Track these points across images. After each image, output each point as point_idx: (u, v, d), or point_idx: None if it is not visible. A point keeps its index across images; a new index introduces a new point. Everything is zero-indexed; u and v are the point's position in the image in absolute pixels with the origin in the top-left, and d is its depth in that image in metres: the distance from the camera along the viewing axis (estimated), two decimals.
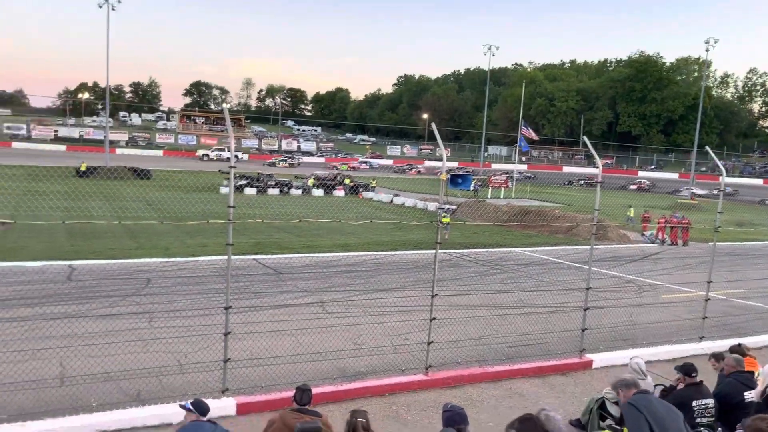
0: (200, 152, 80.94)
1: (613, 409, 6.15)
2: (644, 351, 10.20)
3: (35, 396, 7.18)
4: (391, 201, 41.77)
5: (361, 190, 45.84)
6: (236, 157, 7.69)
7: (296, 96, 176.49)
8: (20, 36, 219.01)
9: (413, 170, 79.98)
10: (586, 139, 10.36)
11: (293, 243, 21.52)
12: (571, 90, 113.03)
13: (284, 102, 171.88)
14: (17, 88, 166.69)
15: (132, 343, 9.34)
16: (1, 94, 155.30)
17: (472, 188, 48.45)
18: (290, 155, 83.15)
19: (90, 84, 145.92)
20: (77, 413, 6.80)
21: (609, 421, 6.09)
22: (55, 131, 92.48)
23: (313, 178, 46.84)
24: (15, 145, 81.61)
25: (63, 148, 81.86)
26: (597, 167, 9.92)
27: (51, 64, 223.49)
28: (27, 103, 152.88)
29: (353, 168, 75.24)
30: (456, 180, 48.96)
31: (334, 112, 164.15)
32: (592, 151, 9.90)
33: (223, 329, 7.55)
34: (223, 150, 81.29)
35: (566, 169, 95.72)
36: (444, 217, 25.01)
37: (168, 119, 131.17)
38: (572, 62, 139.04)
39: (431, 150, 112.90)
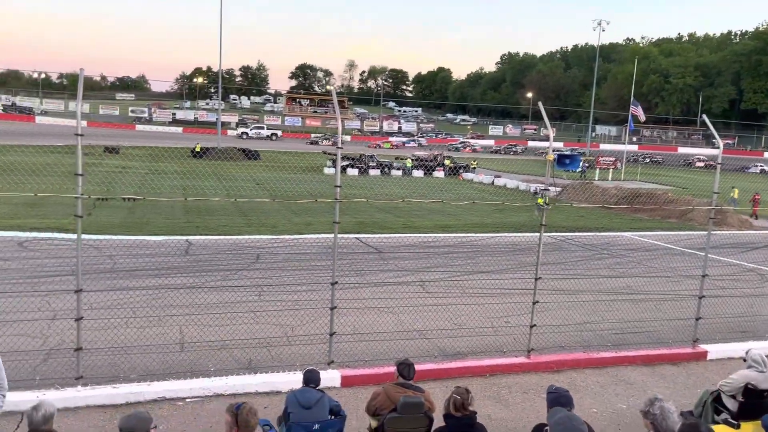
0: (240, 130, 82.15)
1: (730, 403, 5.83)
2: (766, 344, 9.53)
3: (159, 359, 7.79)
4: (492, 182, 41.19)
5: (461, 171, 45.51)
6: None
7: (397, 77, 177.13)
8: (142, 24, 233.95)
9: (467, 148, 78.89)
10: (705, 117, 9.71)
11: (394, 223, 21.78)
12: (689, 65, 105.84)
13: (386, 83, 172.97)
14: (140, 74, 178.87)
15: (243, 314, 9.88)
16: (126, 80, 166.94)
17: (579, 169, 46.78)
18: (332, 134, 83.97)
19: (204, 68, 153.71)
20: (196, 377, 7.32)
21: (724, 415, 5.78)
22: (173, 114, 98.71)
23: (411, 159, 46.95)
24: (138, 127, 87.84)
25: (180, 130, 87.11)
26: (717, 148, 9.30)
27: (169, 49, 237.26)
28: (148, 87, 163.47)
29: (396, 146, 75.72)
30: (563, 161, 47.49)
31: (435, 93, 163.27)
32: (712, 130, 9.27)
33: (329, 304, 7.82)
34: (262, 128, 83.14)
35: (681, 149, 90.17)
36: (539, 198, 24.38)
37: (275, 101, 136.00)
38: (691, 35, 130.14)
39: (535, 130, 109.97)
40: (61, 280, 11.22)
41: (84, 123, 6.34)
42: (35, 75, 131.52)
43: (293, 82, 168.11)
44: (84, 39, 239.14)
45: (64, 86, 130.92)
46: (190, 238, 16.62)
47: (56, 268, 12.36)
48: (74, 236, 6.90)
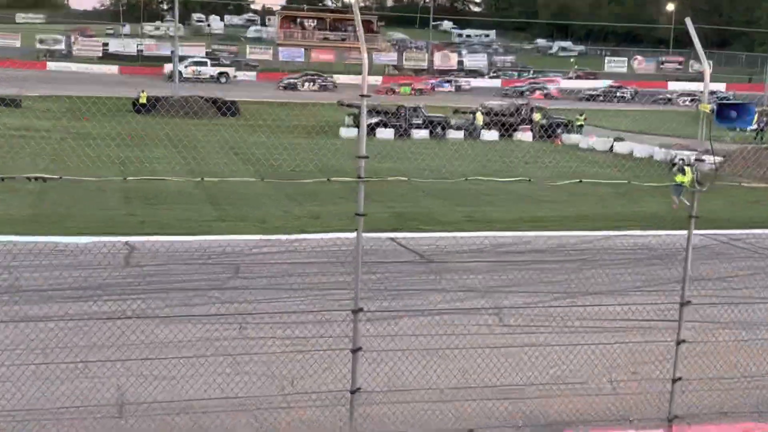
0: (167, 69, 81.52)
1: None
2: None
3: (85, 429, 7.93)
4: (611, 149, 40.84)
5: (558, 131, 45.09)
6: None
7: None
8: None
9: (536, 92, 78.51)
10: None
11: (451, 215, 21.79)
12: None
13: None
14: None
15: (215, 359, 9.96)
16: None
17: (753, 126, 45.93)
18: (317, 74, 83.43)
19: None
20: None
21: None
22: (104, 45, 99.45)
23: (482, 112, 46.66)
24: (51, 66, 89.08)
25: (115, 69, 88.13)
26: None
27: None
28: (66, 4, 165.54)
29: (418, 91, 75.48)
30: (727, 113, 46.50)
31: (517, 6, 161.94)
32: None
33: (350, 344, 7.86)
34: (205, 64, 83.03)
35: None
36: (678, 174, 24.02)
37: (264, 23, 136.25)
38: None
39: (679, 64, 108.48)
40: None
41: None
42: None
43: None
44: None
45: None
46: (132, 239, 16.85)
47: None
48: None
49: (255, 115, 41.56)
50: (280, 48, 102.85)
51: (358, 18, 8.09)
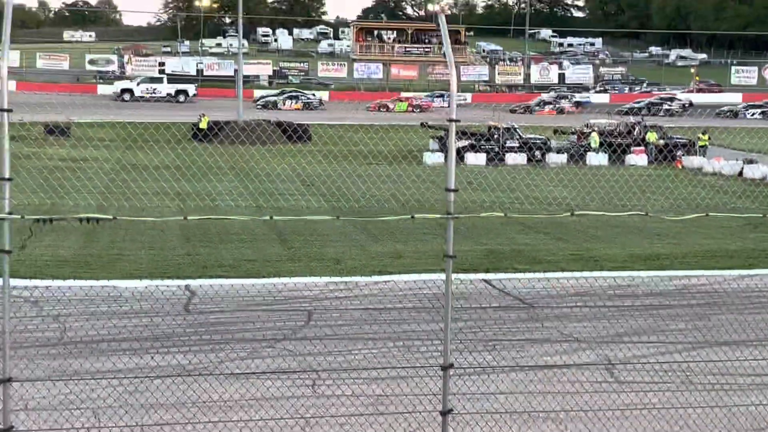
0: (118, 86, 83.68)
1: None
2: None
3: None
4: (740, 173, 40.02)
5: (679, 154, 44.48)
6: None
7: None
8: None
9: (548, 108, 78.35)
10: None
11: (554, 252, 21.61)
12: None
13: None
14: None
15: (285, 423, 9.96)
16: (81, 7, 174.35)
17: None
18: (299, 91, 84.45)
19: None
20: None
21: None
22: (161, 65, 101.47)
23: (596, 131, 46.25)
24: (102, 89, 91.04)
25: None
26: None
27: None
28: (119, 20, 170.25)
29: (416, 108, 75.36)
30: None
31: (628, 11, 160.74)
32: None
33: (439, 405, 7.78)
34: (161, 81, 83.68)
35: None
36: None
37: (336, 37, 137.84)
38: None
39: None
40: None
41: (12, 85, 6.59)
42: None
43: (368, 2, 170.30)
44: None
45: None
46: (193, 283, 17.06)
47: None
48: None
49: (328, 140, 41.86)
50: (355, 63, 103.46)
51: (444, 30, 8.07)
